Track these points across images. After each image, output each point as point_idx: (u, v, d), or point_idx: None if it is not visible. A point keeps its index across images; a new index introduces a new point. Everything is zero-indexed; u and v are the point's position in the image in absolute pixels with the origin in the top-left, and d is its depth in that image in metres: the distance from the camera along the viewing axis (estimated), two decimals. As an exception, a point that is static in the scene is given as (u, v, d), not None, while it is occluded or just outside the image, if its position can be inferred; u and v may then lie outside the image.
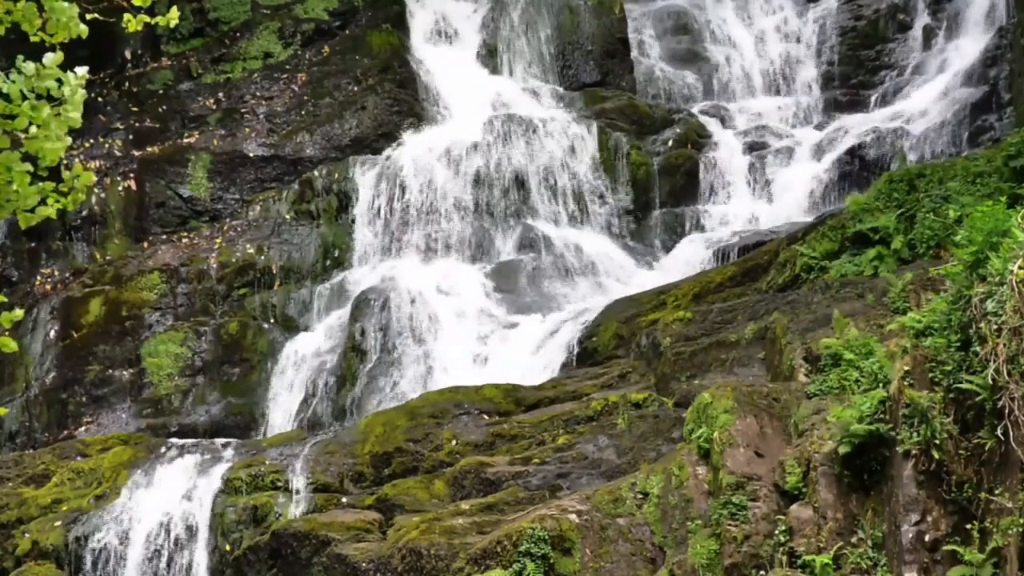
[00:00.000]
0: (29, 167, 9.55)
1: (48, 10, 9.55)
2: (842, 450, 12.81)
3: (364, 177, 23.50)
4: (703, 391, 14.91)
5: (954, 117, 23.52)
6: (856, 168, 23.37)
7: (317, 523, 16.06)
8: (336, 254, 23.07)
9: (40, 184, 9.65)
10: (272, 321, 22.35)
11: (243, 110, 25.16)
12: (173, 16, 10.29)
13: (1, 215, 9.66)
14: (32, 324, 22.18)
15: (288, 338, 22.03)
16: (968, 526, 11.83)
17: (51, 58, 9.34)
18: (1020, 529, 11.22)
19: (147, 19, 10.20)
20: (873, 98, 25.99)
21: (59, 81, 9.44)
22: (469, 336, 21.00)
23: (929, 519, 12.06)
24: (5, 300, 10.33)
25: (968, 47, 25.11)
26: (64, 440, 20.36)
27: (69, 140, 9.58)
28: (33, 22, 9.57)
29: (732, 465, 13.58)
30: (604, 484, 15.05)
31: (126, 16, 10.21)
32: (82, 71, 9.49)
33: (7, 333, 19.05)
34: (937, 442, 12.05)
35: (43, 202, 9.72)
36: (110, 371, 21.69)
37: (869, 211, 18.18)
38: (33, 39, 9.77)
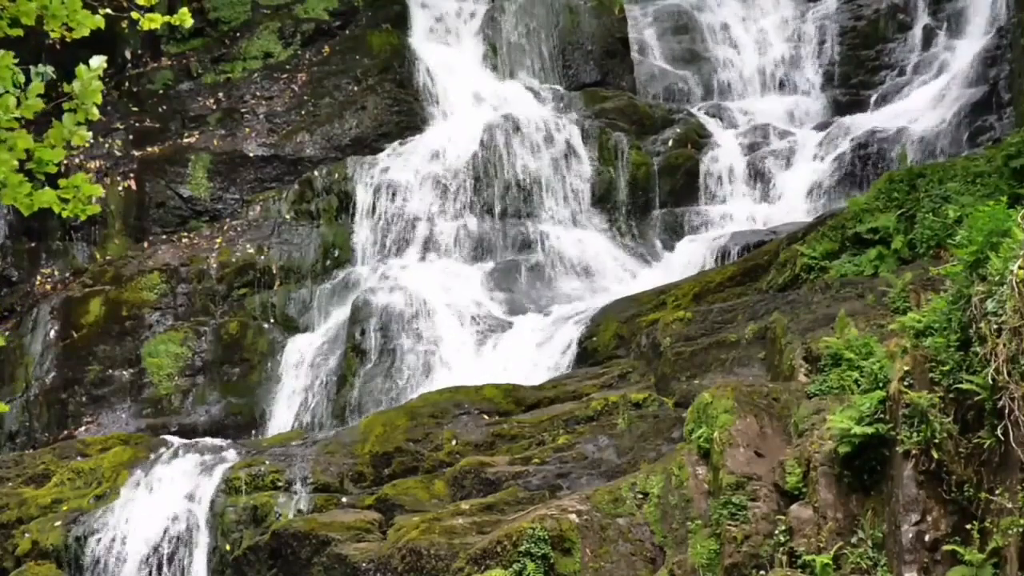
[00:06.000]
0: (6, 155, 9.43)
1: (40, 7, 9.47)
2: (842, 450, 12.81)
3: (364, 177, 23.49)
4: (703, 391, 14.91)
5: (954, 117, 23.48)
6: (856, 168, 23.34)
7: (317, 523, 16.06)
8: (336, 254, 23.06)
9: (44, 189, 9.57)
10: (272, 321, 22.35)
11: (243, 110, 25.16)
12: (186, 16, 10.22)
13: (4, 200, 9.58)
14: (32, 324, 22.18)
15: (288, 338, 22.03)
16: (968, 526, 11.83)
17: None
18: (1020, 529, 11.22)
19: (159, 17, 10.13)
20: (873, 98, 25.94)
21: (80, 76, 9.27)
22: (469, 336, 21.00)
23: (929, 519, 12.06)
24: None
25: (968, 47, 25.06)
26: (64, 440, 20.36)
27: (89, 135, 9.47)
28: (32, 16, 9.48)
29: (732, 465, 13.58)
30: (604, 484, 15.04)
31: (134, 14, 10.14)
32: (96, 61, 9.35)
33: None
34: (937, 442, 12.04)
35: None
36: (110, 371, 21.69)
37: (869, 211, 18.17)
38: (53, 35, 9.70)
